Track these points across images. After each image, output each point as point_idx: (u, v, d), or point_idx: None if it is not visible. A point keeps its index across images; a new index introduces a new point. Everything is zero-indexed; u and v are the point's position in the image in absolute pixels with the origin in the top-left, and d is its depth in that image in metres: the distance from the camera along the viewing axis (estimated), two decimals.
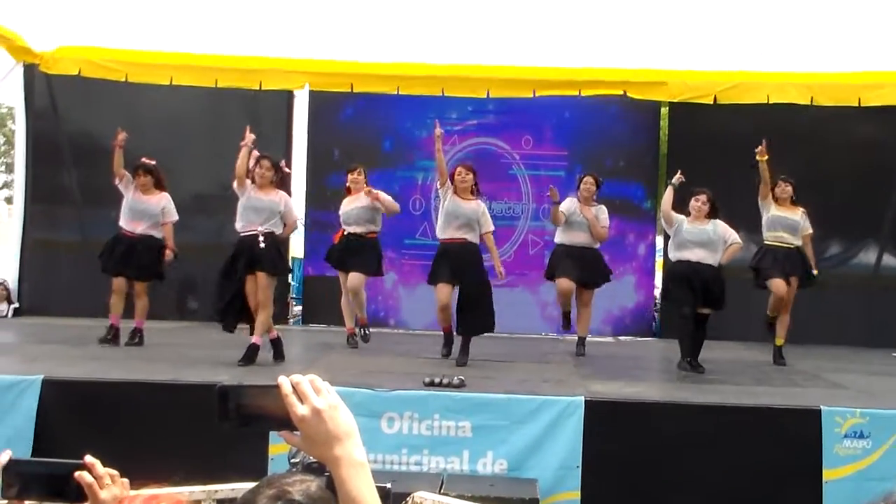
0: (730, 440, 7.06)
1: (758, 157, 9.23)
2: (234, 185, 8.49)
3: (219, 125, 12.54)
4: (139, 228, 9.28)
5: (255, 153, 8.61)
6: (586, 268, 9.80)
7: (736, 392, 8.03)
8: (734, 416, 7.28)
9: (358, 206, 9.75)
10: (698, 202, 8.91)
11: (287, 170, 8.93)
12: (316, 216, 12.70)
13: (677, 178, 9.08)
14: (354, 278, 9.70)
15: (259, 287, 8.36)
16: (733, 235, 8.93)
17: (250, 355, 8.29)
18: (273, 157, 8.77)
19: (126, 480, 2.10)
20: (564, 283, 9.77)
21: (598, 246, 9.96)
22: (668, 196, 9.05)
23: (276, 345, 8.62)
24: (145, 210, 9.32)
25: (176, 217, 9.49)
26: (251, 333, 8.39)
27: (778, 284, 9.38)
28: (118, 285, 9.29)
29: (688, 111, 12.22)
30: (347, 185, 9.92)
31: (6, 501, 2.05)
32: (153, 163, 9.47)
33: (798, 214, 9.61)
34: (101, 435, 6.30)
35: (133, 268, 9.25)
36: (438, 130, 9.16)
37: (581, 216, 9.79)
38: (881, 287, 12.30)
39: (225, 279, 8.43)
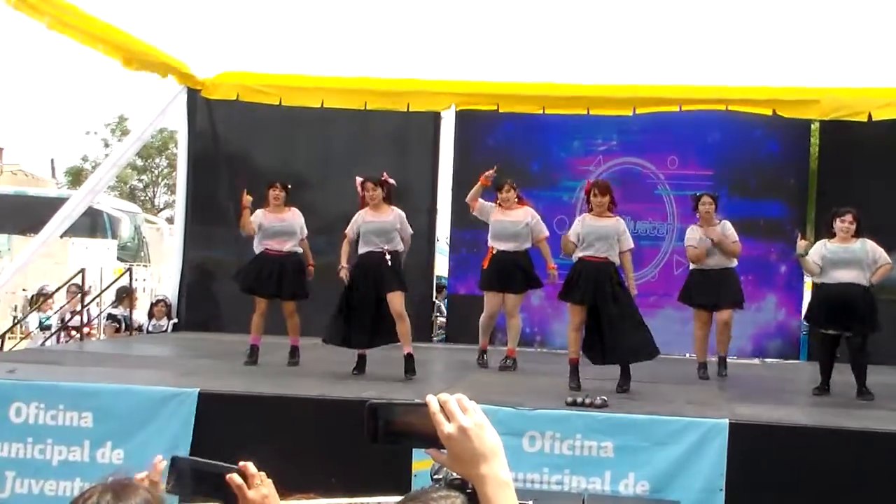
0: (880, 468, 6.88)
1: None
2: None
3: (367, 146, 12.85)
4: (286, 247, 9.46)
5: (358, 178, 8.90)
6: (722, 289, 9.65)
7: (889, 418, 7.80)
8: (886, 443, 7.09)
9: (507, 220, 9.85)
10: (844, 222, 8.69)
11: (391, 181, 9.06)
12: (461, 235, 12.86)
13: (801, 245, 8.82)
14: (510, 301, 9.88)
15: (392, 305, 8.66)
16: (883, 255, 8.68)
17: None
18: (372, 176, 8.96)
19: (271, 482, 2.23)
20: (704, 314, 9.72)
21: (734, 265, 9.75)
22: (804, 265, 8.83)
23: (409, 360, 8.80)
24: (282, 228, 9.47)
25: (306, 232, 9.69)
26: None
27: None
28: (265, 305, 9.52)
29: (840, 129, 11.92)
30: (497, 202, 10.00)
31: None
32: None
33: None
34: (252, 446, 6.52)
35: (281, 287, 9.41)
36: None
37: (707, 239, 9.64)
38: None
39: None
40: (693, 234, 9.77)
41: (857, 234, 8.68)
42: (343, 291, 8.84)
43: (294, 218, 9.58)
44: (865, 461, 6.91)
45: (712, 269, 9.68)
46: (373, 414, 1.81)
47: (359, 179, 8.96)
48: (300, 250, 9.58)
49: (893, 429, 7.33)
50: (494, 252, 9.85)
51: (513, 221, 9.83)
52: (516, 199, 9.96)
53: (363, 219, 8.87)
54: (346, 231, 8.96)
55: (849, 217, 8.68)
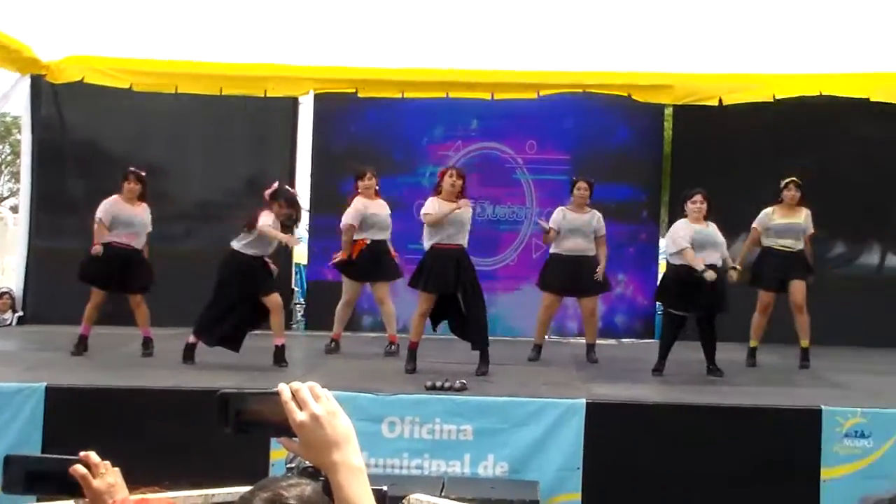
0: (729, 441, 7.12)
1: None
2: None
3: (224, 132, 12.61)
4: (133, 241, 9.23)
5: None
6: (584, 277, 9.74)
7: (736, 392, 8.09)
8: (734, 416, 7.35)
9: (380, 211, 9.85)
10: (696, 203, 8.91)
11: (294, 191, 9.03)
12: (321, 222, 12.75)
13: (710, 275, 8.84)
14: (381, 288, 9.89)
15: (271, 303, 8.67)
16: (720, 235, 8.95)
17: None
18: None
19: (118, 469, 2.15)
20: (549, 298, 9.86)
21: (594, 253, 9.83)
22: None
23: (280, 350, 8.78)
24: (134, 220, 9.25)
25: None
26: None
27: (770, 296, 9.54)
28: (101, 297, 9.27)
29: (692, 114, 12.25)
30: (359, 191, 9.96)
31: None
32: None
33: (802, 217, 9.65)
34: (105, 441, 6.32)
35: (126, 281, 9.21)
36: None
37: (574, 223, 9.75)
38: (884, 286, 12.33)
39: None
40: (555, 216, 9.86)
41: (708, 214, 8.92)
42: (222, 290, 8.69)
43: (143, 214, 9.33)
44: (718, 435, 7.15)
45: (572, 254, 9.77)
46: (224, 404, 1.78)
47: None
48: (142, 245, 9.35)
49: (742, 403, 7.61)
50: (368, 242, 9.81)
51: (385, 212, 9.85)
52: (376, 190, 9.97)
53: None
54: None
55: (699, 197, 8.91)
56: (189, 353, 8.72)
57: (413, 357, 8.59)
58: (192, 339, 8.74)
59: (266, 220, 8.53)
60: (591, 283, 9.75)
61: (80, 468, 2.10)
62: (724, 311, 8.84)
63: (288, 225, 8.78)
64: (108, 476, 2.12)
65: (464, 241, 8.62)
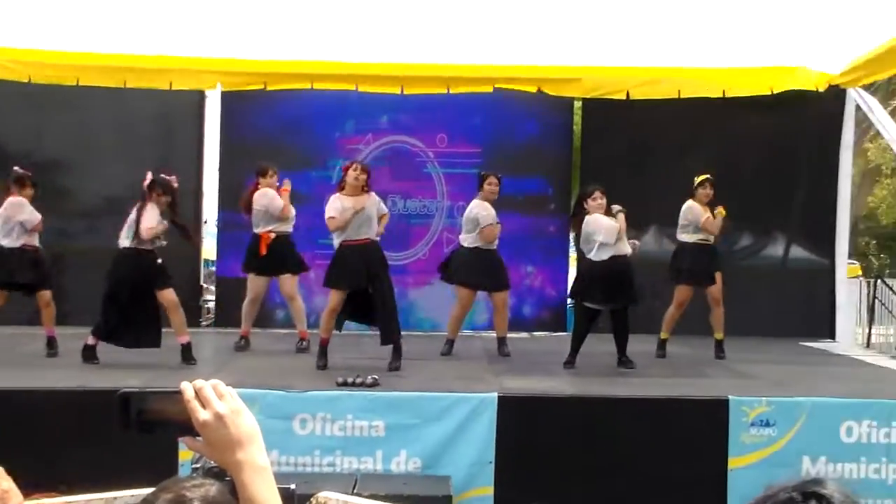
0: (640, 431, 7.20)
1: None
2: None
3: (129, 126, 12.35)
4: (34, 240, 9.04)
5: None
6: (496, 271, 9.80)
7: (647, 384, 8.19)
8: (645, 407, 7.44)
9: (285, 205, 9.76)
10: (595, 200, 8.97)
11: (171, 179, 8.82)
12: (230, 218, 12.57)
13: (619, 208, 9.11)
14: (288, 283, 9.81)
15: (165, 298, 8.55)
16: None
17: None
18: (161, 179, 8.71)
19: (9, 478, 2.06)
20: (463, 292, 9.88)
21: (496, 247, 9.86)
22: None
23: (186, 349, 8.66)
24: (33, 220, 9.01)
25: None
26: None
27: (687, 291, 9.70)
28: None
29: (601, 107, 12.35)
30: (259, 186, 9.83)
31: None
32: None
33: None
34: (5, 445, 6.16)
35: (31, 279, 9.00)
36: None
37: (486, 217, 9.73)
38: (789, 277, 12.62)
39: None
40: (489, 212, 9.80)
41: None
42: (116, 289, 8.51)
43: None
44: (628, 426, 7.22)
45: (486, 248, 9.78)
46: (124, 403, 1.73)
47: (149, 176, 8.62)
48: (35, 242, 9.06)
49: (652, 394, 7.70)
50: (274, 236, 9.70)
51: (287, 206, 9.76)
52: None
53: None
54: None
55: (597, 194, 8.97)
56: (90, 354, 8.51)
57: (324, 353, 8.51)
58: (91, 339, 8.54)
59: (152, 214, 8.41)
60: (505, 277, 9.79)
61: None
62: (637, 302, 8.96)
63: (175, 212, 8.68)
64: (2, 481, 2.03)
65: (372, 233, 8.58)
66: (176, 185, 8.69)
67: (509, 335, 10.11)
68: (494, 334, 10.14)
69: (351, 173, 8.64)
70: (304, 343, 9.83)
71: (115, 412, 1.72)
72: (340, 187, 8.70)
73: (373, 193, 8.74)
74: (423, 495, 6.39)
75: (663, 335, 9.87)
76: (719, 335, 9.81)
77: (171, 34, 11.07)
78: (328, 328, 8.59)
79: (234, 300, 10.94)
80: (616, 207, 8.82)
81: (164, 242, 8.63)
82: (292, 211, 9.74)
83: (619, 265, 8.77)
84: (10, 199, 8.96)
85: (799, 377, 8.74)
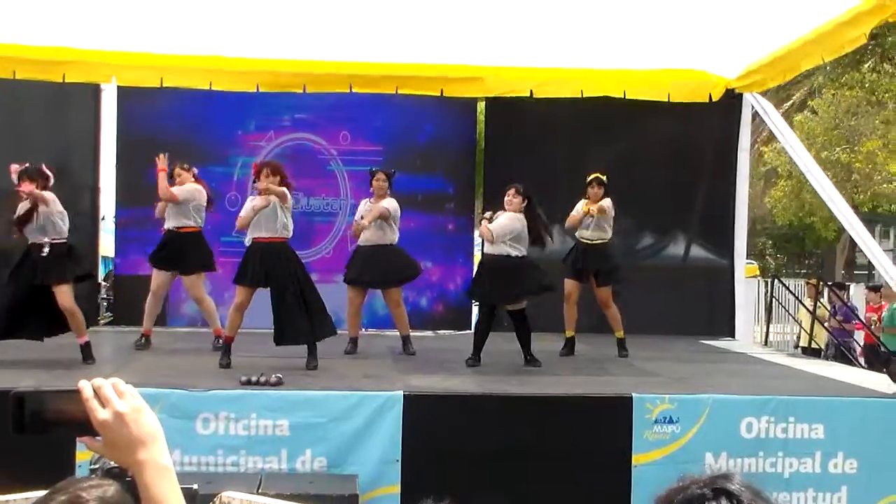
0: (545, 429, 7.23)
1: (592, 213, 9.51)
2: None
3: (21, 119, 12.01)
4: None
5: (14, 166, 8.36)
6: (387, 266, 9.79)
7: (552, 382, 8.24)
8: (549, 405, 7.47)
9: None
10: (509, 195, 9.06)
11: (48, 171, 8.56)
12: (127, 213, 12.32)
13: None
14: (190, 283, 9.68)
15: (59, 296, 8.21)
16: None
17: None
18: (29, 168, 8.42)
19: None
20: (351, 291, 9.89)
21: (395, 242, 9.88)
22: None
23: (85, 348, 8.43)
24: None
25: None
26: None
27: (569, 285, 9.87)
28: None
29: (504, 106, 12.41)
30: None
31: None
32: None
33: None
34: None
35: None
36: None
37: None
38: (690, 277, 12.85)
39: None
40: (362, 209, 9.89)
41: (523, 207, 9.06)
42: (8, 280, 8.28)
43: None
44: (537, 425, 7.25)
45: (374, 244, 9.76)
46: (19, 403, 1.69)
47: (14, 167, 8.32)
48: None
49: (556, 392, 7.75)
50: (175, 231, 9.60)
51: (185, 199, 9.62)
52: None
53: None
54: None
55: (512, 191, 9.06)
56: None
57: (228, 351, 8.39)
58: None
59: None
60: (393, 273, 9.78)
61: None
62: (531, 297, 9.00)
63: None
64: None
65: (274, 233, 8.48)
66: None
67: (416, 333, 10.09)
68: (398, 333, 10.11)
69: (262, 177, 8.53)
70: (220, 341, 9.68)
71: (9, 413, 1.68)
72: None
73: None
74: (329, 494, 6.32)
75: (568, 333, 9.94)
76: (619, 334, 9.95)
77: (65, 25, 10.74)
78: (234, 326, 8.50)
79: (133, 298, 10.72)
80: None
81: (15, 236, 8.42)
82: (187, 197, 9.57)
83: (502, 261, 8.88)
84: None
85: (701, 374, 8.90)
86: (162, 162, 9.33)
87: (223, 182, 11.97)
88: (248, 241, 8.56)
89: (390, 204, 9.75)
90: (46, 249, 8.23)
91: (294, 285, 8.36)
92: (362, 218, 9.72)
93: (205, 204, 9.72)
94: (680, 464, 7.00)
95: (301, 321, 8.36)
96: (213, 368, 8.25)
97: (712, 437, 7.29)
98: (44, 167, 8.42)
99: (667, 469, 6.97)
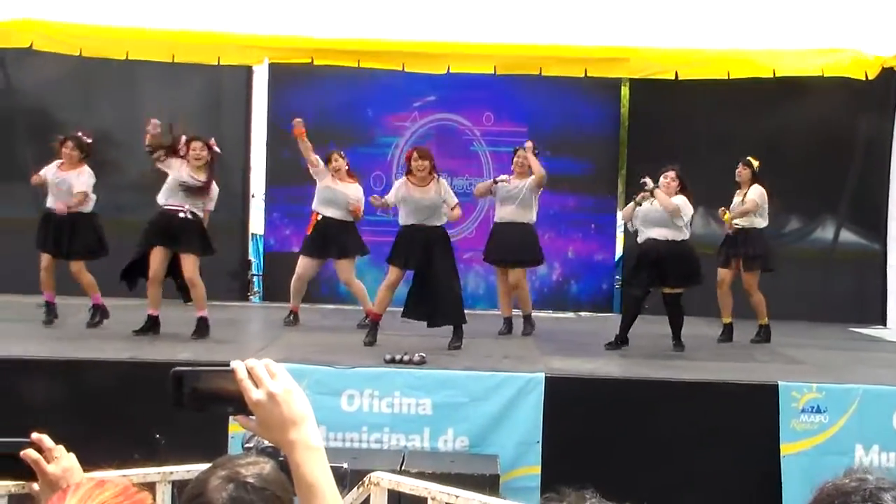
0: (688, 416, 7.14)
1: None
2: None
3: (177, 101, 12.41)
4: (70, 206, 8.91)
5: (183, 137, 8.64)
6: (511, 247, 9.71)
7: (695, 368, 8.12)
8: (692, 391, 7.37)
9: (339, 189, 9.69)
10: (667, 179, 8.93)
11: (217, 149, 8.82)
12: (278, 193, 12.63)
13: (649, 185, 8.98)
14: (344, 269, 9.74)
15: (184, 265, 8.46)
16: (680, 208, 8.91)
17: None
18: (203, 137, 8.73)
19: (72, 455, 2.07)
20: (498, 270, 9.87)
21: (529, 220, 9.79)
22: (629, 207, 9.13)
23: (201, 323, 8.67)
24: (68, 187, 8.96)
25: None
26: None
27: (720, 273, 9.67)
28: (48, 260, 9.02)
29: (649, 88, 12.23)
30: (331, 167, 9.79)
31: None
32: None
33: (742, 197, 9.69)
34: (59, 416, 6.25)
35: (67, 246, 8.97)
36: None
37: (510, 191, 9.72)
38: (838, 262, 12.45)
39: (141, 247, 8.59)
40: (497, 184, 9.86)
41: (681, 192, 8.92)
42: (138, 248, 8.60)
43: (77, 178, 8.96)
44: (676, 409, 7.17)
45: (508, 222, 9.73)
46: (178, 382, 1.75)
47: (184, 138, 8.65)
48: (89, 209, 9.02)
49: (700, 378, 7.63)
50: (319, 218, 9.70)
51: (344, 193, 9.70)
52: (347, 170, 9.87)
53: (181, 170, 8.59)
54: None
55: (671, 174, 8.92)
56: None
57: (374, 329, 8.53)
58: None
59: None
60: (518, 254, 9.75)
61: (32, 453, 2.03)
62: (689, 285, 8.86)
63: None
64: (62, 461, 2.04)
65: (434, 221, 8.58)
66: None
67: (556, 315, 10.05)
68: (546, 314, 10.08)
69: (413, 163, 8.66)
70: (367, 320, 9.85)
71: (169, 390, 1.74)
72: (407, 173, 8.76)
73: (441, 181, 8.73)
74: (470, 473, 6.37)
75: (725, 320, 9.77)
76: (762, 320, 9.74)
77: (219, 10, 11.10)
78: (382, 305, 8.62)
79: (282, 275, 10.98)
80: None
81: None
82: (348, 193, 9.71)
83: (654, 246, 8.79)
84: (86, 168, 9.03)
85: (850, 363, 8.63)
86: (299, 125, 9.35)
87: (368, 162, 12.13)
88: (401, 222, 8.67)
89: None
90: (183, 215, 8.50)
91: (444, 269, 8.44)
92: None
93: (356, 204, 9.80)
94: (830, 455, 6.84)
95: (451, 304, 8.43)
96: (359, 346, 8.40)
97: (863, 429, 7.08)
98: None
99: (816, 460, 6.83)
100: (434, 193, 8.59)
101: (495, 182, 9.71)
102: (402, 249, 8.54)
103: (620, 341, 8.80)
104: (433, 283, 8.40)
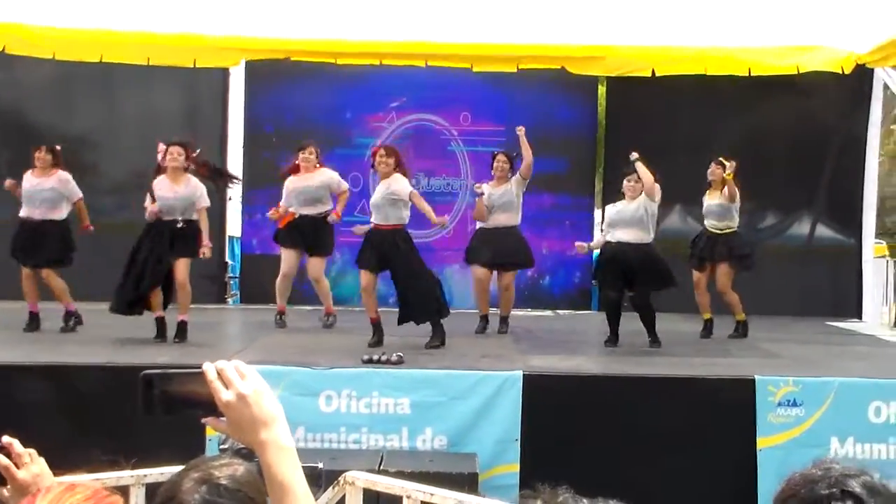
0: (666, 411, 7.17)
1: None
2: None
3: (153, 104, 12.38)
4: (48, 214, 9.03)
5: (161, 144, 8.68)
6: (506, 249, 9.75)
7: (673, 363, 8.16)
8: (670, 387, 7.41)
9: (311, 185, 9.70)
10: (630, 181, 8.95)
11: (193, 156, 8.82)
12: (255, 194, 12.62)
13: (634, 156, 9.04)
14: (315, 265, 9.76)
15: (177, 269, 8.50)
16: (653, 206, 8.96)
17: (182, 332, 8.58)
18: (181, 141, 8.77)
19: (43, 460, 2.07)
20: (479, 271, 9.82)
21: (518, 223, 9.88)
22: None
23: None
24: (46, 195, 9.06)
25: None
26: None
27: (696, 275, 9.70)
28: (27, 271, 9.10)
29: (626, 87, 12.27)
30: (297, 162, 9.81)
31: None
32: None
33: (721, 197, 9.68)
34: (32, 420, 6.22)
35: (39, 254, 9.02)
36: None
37: (500, 197, 9.75)
38: (814, 257, 12.54)
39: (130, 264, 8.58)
40: (486, 189, 9.86)
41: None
42: (128, 258, 8.60)
43: (59, 184, 9.11)
44: (655, 405, 7.19)
45: (496, 227, 9.76)
46: (147, 384, 1.74)
47: (161, 146, 8.65)
48: (62, 216, 9.12)
49: (679, 373, 7.67)
50: (297, 216, 9.70)
51: (312, 185, 9.73)
52: (316, 162, 9.87)
53: (159, 186, 8.63)
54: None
55: (634, 176, 8.94)
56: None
57: (377, 330, 8.54)
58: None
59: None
60: (514, 256, 9.78)
61: (2, 458, 2.02)
62: (656, 288, 8.89)
63: None
64: (32, 466, 2.04)
65: (391, 220, 8.58)
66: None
67: (534, 313, 10.07)
68: (520, 312, 10.11)
69: (378, 159, 8.71)
70: (331, 318, 9.87)
71: (139, 394, 1.74)
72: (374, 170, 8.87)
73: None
74: (448, 472, 6.37)
75: (705, 316, 9.79)
76: (739, 316, 9.77)
77: (194, 13, 11.06)
78: (369, 307, 8.62)
79: (258, 277, 10.97)
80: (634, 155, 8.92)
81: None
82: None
83: (622, 249, 8.82)
84: (63, 173, 9.12)
85: (826, 357, 8.70)
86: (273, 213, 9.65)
87: (346, 163, 12.13)
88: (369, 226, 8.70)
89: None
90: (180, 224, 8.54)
91: (410, 268, 8.46)
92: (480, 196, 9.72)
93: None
94: (805, 448, 6.87)
95: (426, 302, 8.46)
96: (336, 347, 8.40)
97: (839, 422, 7.13)
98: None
99: (792, 453, 6.86)
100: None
101: (480, 194, 9.64)
102: (365, 251, 8.61)
103: (614, 339, 8.86)
104: (397, 281, 8.50)
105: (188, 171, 8.70)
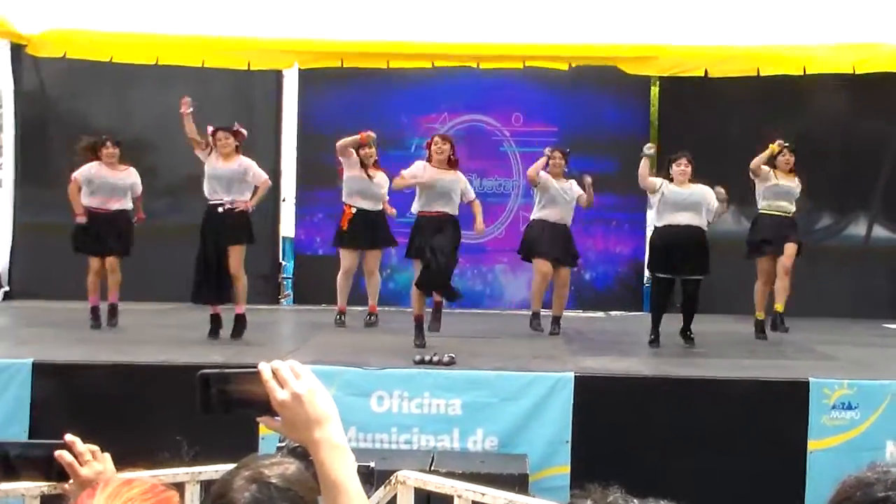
0: (718, 413, 7.13)
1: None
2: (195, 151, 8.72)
3: (208, 105, 12.50)
4: (111, 205, 9.27)
5: (210, 127, 8.77)
6: (566, 246, 9.74)
7: (725, 365, 8.10)
8: (722, 389, 7.35)
9: (370, 180, 9.80)
10: (680, 166, 8.92)
11: (243, 131, 8.90)
12: (308, 195, 12.71)
13: (649, 146, 9.01)
14: (373, 258, 9.90)
15: (230, 258, 8.50)
16: (714, 198, 8.91)
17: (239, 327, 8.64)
18: (226, 126, 8.84)
19: (108, 455, 2.11)
20: (545, 265, 9.69)
21: (568, 223, 9.85)
22: (643, 165, 9.01)
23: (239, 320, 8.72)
24: (114, 186, 9.31)
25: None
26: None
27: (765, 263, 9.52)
28: (96, 264, 9.25)
29: (679, 87, 12.21)
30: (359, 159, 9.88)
31: None
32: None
33: (795, 182, 9.65)
34: (93, 418, 6.32)
35: (105, 244, 9.20)
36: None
37: (564, 193, 9.74)
38: (871, 258, 12.37)
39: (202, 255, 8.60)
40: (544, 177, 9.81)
41: (693, 178, 8.93)
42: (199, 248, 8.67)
43: (131, 177, 9.41)
44: (704, 408, 7.15)
45: (556, 223, 9.72)
46: (205, 383, 1.77)
47: (210, 129, 8.74)
48: (128, 207, 9.39)
49: (730, 375, 7.61)
50: (354, 211, 9.76)
51: (376, 182, 9.83)
52: (376, 160, 9.98)
53: (212, 165, 8.68)
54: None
55: (683, 161, 8.91)
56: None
57: (420, 330, 8.50)
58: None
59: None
60: (572, 253, 9.76)
61: (66, 455, 2.06)
62: (706, 273, 8.83)
63: None
64: (95, 463, 2.08)
65: (447, 208, 8.60)
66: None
67: (586, 314, 10.03)
68: (574, 314, 10.07)
69: (434, 147, 8.76)
70: (373, 317, 9.92)
71: (196, 393, 1.77)
72: (428, 159, 8.83)
73: (458, 172, 8.79)
74: (499, 473, 6.38)
75: (759, 315, 9.60)
76: (778, 306, 9.60)
77: (249, 16, 11.21)
78: (417, 303, 8.58)
79: (312, 277, 11.03)
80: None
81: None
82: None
83: (681, 231, 8.76)
84: (132, 168, 9.47)
85: (882, 360, 8.58)
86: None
87: (399, 164, 12.16)
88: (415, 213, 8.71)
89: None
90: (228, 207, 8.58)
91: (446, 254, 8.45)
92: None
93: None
94: (859, 451, 6.79)
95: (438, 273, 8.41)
96: (388, 347, 8.44)
97: (895, 426, 7.02)
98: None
99: (845, 456, 6.78)
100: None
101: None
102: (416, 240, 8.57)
103: (657, 338, 8.81)
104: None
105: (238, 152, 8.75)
